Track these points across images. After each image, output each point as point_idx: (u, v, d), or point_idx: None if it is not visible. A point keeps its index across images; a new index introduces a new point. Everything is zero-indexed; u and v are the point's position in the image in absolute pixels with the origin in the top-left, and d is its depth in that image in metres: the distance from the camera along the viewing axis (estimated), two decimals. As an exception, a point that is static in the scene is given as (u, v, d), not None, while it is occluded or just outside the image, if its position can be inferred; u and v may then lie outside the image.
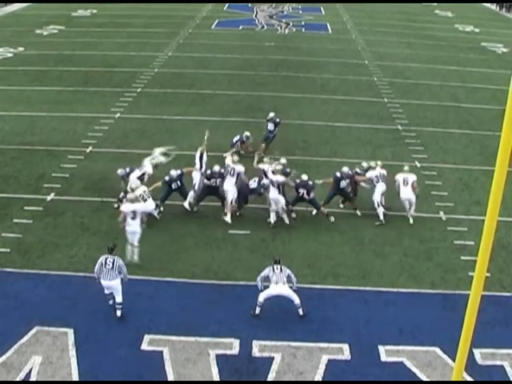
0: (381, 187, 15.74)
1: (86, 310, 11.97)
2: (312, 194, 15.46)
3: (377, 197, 15.71)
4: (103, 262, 11.70)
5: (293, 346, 11.11)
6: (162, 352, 10.89)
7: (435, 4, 53.65)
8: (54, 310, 11.91)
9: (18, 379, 10.16)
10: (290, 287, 11.83)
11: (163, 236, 14.77)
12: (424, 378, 10.44)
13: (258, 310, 11.89)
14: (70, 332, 11.27)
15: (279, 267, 11.80)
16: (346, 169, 16.02)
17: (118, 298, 11.78)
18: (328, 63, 32.08)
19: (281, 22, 44.53)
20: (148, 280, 13.05)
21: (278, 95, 25.70)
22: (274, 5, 51.25)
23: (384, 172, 15.99)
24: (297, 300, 11.77)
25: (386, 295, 12.81)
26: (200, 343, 11.13)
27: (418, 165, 19.30)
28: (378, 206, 15.70)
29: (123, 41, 36.10)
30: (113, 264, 11.66)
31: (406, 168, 16.16)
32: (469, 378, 10.26)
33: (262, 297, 11.79)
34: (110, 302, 11.97)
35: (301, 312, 11.87)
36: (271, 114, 19.98)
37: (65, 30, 39.44)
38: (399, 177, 15.77)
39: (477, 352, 10.94)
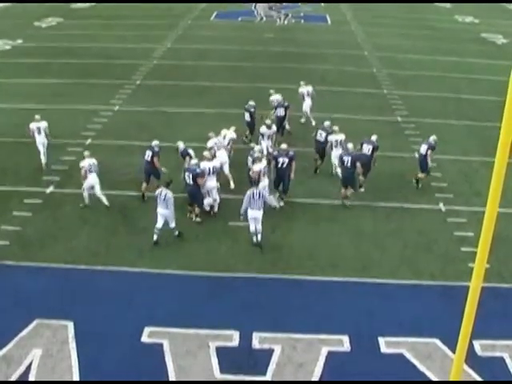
0: (337, 151, 16.97)
1: (86, 302, 11.98)
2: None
3: (334, 159, 17.18)
4: (159, 193, 13.68)
5: (293, 338, 11.12)
6: (162, 344, 10.90)
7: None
8: (53, 303, 11.92)
9: (18, 372, 10.17)
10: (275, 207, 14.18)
11: (163, 228, 14.73)
12: (424, 370, 10.45)
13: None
14: (70, 325, 11.27)
15: (258, 193, 13.49)
16: (284, 145, 16.04)
17: (172, 224, 13.92)
18: (327, 55, 31.97)
19: (280, 14, 44.25)
20: (148, 272, 13.06)
21: (278, 87, 25.49)
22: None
23: (342, 138, 17.13)
24: (259, 226, 13.64)
25: (386, 287, 12.82)
26: (200, 335, 11.14)
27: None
28: (336, 167, 17.07)
29: (122, 33, 35.96)
30: (165, 197, 13.56)
31: (302, 83, 21.59)
32: (469, 370, 10.26)
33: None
34: (155, 238, 13.77)
35: (255, 239, 13.76)
36: (277, 97, 20.87)
37: (63, 22, 39.29)
38: (302, 90, 21.15)
39: (477, 343, 10.95)
